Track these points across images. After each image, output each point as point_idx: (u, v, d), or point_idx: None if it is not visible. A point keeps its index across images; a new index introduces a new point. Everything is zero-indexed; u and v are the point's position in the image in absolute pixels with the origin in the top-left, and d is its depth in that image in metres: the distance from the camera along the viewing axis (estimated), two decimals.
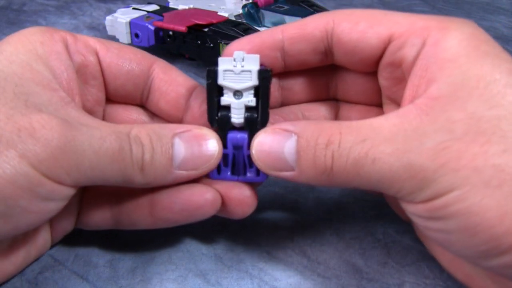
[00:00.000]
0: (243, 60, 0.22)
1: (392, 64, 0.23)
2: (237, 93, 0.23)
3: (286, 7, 0.48)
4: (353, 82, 0.26)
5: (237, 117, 0.23)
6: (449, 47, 0.20)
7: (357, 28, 0.23)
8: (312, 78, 0.27)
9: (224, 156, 0.24)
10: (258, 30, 0.43)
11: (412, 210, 0.20)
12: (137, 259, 0.26)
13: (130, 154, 0.21)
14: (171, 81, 0.26)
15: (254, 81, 0.22)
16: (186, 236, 0.27)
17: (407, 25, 0.22)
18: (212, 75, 0.22)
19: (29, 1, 0.66)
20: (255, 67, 0.22)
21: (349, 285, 0.24)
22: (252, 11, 0.45)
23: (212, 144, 0.23)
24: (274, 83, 0.23)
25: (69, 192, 0.20)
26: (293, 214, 0.29)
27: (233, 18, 0.46)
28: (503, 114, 0.18)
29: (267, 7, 0.47)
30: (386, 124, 0.19)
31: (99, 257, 0.26)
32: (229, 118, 0.23)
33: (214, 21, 0.44)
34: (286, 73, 0.26)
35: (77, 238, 0.27)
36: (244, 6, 0.46)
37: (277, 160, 0.21)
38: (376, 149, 0.19)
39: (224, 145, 0.23)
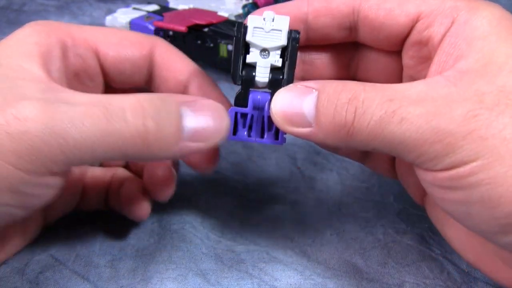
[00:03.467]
0: (273, 20, 0.22)
1: (419, 42, 0.23)
2: (264, 52, 0.22)
3: None
4: (375, 61, 0.26)
5: (262, 76, 0.22)
6: (479, 26, 0.20)
7: (385, 5, 0.22)
8: (334, 55, 0.26)
9: (243, 116, 0.23)
10: None
11: (431, 179, 0.19)
12: (138, 259, 0.26)
13: (124, 120, 0.19)
14: (170, 67, 0.25)
15: (283, 41, 0.22)
16: (187, 235, 0.27)
17: (436, 4, 0.22)
18: (241, 30, 0.22)
19: (29, 1, 0.66)
20: (285, 27, 0.22)
21: (349, 285, 0.24)
22: (252, 11, 0.45)
23: (222, 115, 0.22)
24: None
25: (60, 180, 0.20)
26: (293, 214, 0.29)
27: (233, 18, 0.46)
28: None
29: None
30: (413, 89, 0.19)
31: (99, 257, 0.26)
32: (253, 76, 0.22)
33: (214, 21, 0.44)
34: (308, 47, 0.26)
35: (78, 238, 0.27)
36: (244, 6, 0.46)
37: (294, 115, 0.20)
38: (405, 109, 0.18)
39: (245, 104, 0.23)
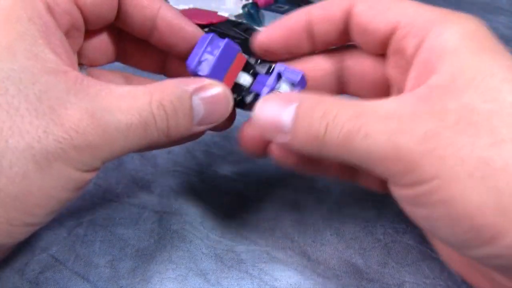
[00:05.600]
0: None
1: (397, 52, 0.23)
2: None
3: (286, 7, 0.48)
4: (364, 76, 0.27)
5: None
6: (450, 39, 0.20)
7: (370, 12, 0.23)
8: (325, 70, 0.27)
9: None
10: (258, 30, 0.43)
11: (398, 193, 0.20)
12: (138, 259, 0.26)
13: (156, 128, 0.22)
14: (136, 3, 0.26)
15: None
16: (187, 235, 0.27)
17: (413, 16, 0.22)
18: None
19: None
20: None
21: (349, 285, 0.24)
22: (252, 11, 0.45)
23: (228, 101, 0.24)
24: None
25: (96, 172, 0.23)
26: (293, 214, 0.29)
27: (233, 18, 0.46)
28: (496, 109, 0.18)
29: (267, 7, 0.47)
30: (384, 105, 0.20)
31: (99, 257, 0.26)
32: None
33: (214, 21, 0.44)
34: (300, 62, 0.27)
35: (78, 238, 0.27)
36: (244, 6, 0.46)
37: (273, 124, 0.22)
38: (370, 126, 0.19)
39: None
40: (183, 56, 0.27)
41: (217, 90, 0.24)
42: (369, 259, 0.26)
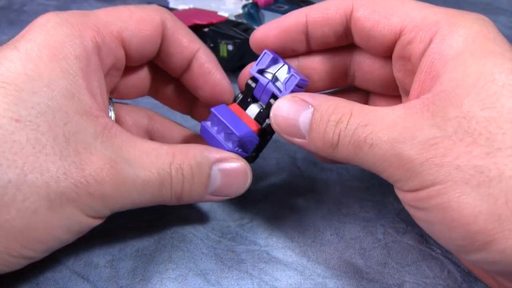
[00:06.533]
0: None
1: (403, 57, 0.23)
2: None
3: (286, 7, 0.48)
4: (371, 71, 0.27)
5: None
6: (454, 44, 0.21)
7: (373, 17, 0.23)
8: (333, 63, 0.28)
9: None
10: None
11: (402, 197, 0.21)
12: (138, 259, 0.26)
13: (170, 188, 0.23)
14: (178, 44, 0.26)
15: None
16: (187, 235, 0.27)
17: (418, 20, 0.22)
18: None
19: (30, 1, 0.66)
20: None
21: (349, 285, 0.24)
22: (252, 11, 0.45)
23: (246, 177, 0.25)
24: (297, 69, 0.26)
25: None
26: (293, 214, 0.29)
27: (233, 18, 0.46)
28: (494, 116, 0.19)
29: (267, 7, 0.47)
30: (392, 114, 0.20)
31: (99, 257, 0.26)
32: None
33: (214, 21, 0.44)
34: (307, 60, 0.27)
35: (78, 238, 0.27)
36: (244, 6, 0.46)
37: (291, 126, 0.23)
38: (375, 135, 0.20)
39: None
40: (205, 100, 0.28)
41: (237, 164, 0.24)
42: (369, 259, 0.26)
